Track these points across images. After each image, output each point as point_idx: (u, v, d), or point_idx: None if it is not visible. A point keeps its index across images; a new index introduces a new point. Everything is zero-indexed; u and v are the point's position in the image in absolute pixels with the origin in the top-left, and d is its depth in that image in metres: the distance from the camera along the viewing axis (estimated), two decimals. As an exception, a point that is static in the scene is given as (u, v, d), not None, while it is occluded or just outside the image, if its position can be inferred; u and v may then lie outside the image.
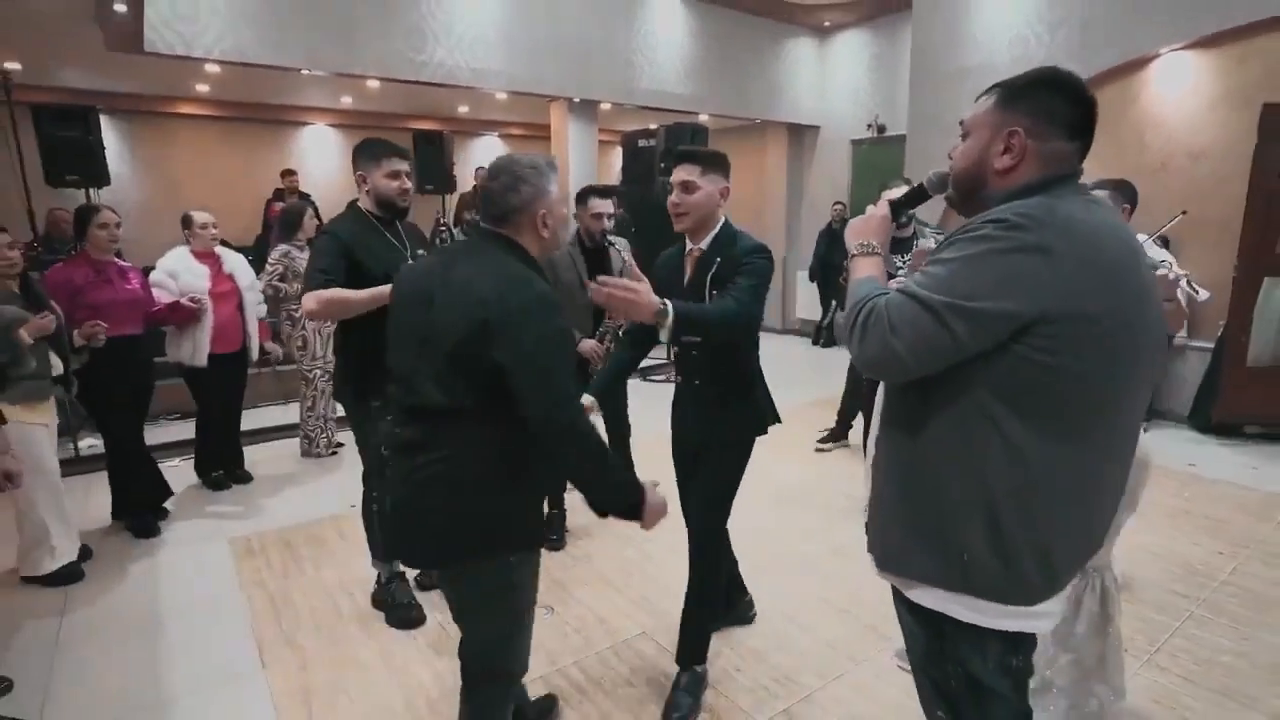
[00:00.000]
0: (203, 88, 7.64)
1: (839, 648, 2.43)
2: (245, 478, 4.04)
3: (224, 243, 7.11)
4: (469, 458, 1.41)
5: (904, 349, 1.06)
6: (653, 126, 6.72)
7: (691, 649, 2.14)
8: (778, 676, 2.28)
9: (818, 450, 4.46)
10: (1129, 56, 5.02)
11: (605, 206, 2.97)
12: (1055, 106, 1.10)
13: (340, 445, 4.52)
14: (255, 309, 3.90)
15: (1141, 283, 1.08)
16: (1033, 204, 1.05)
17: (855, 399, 4.26)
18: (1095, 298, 1.01)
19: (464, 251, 1.53)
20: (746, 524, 3.36)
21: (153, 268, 3.63)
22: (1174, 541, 3.16)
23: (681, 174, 1.96)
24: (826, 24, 8.18)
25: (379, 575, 2.70)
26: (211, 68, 5.73)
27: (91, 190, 5.90)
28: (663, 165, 6.07)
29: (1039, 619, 1.14)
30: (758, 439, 2.10)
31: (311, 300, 2.22)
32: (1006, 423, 1.06)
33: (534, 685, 2.21)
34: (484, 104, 8.46)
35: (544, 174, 1.51)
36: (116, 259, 3.33)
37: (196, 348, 3.55)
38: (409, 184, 2.38)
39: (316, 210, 7.28)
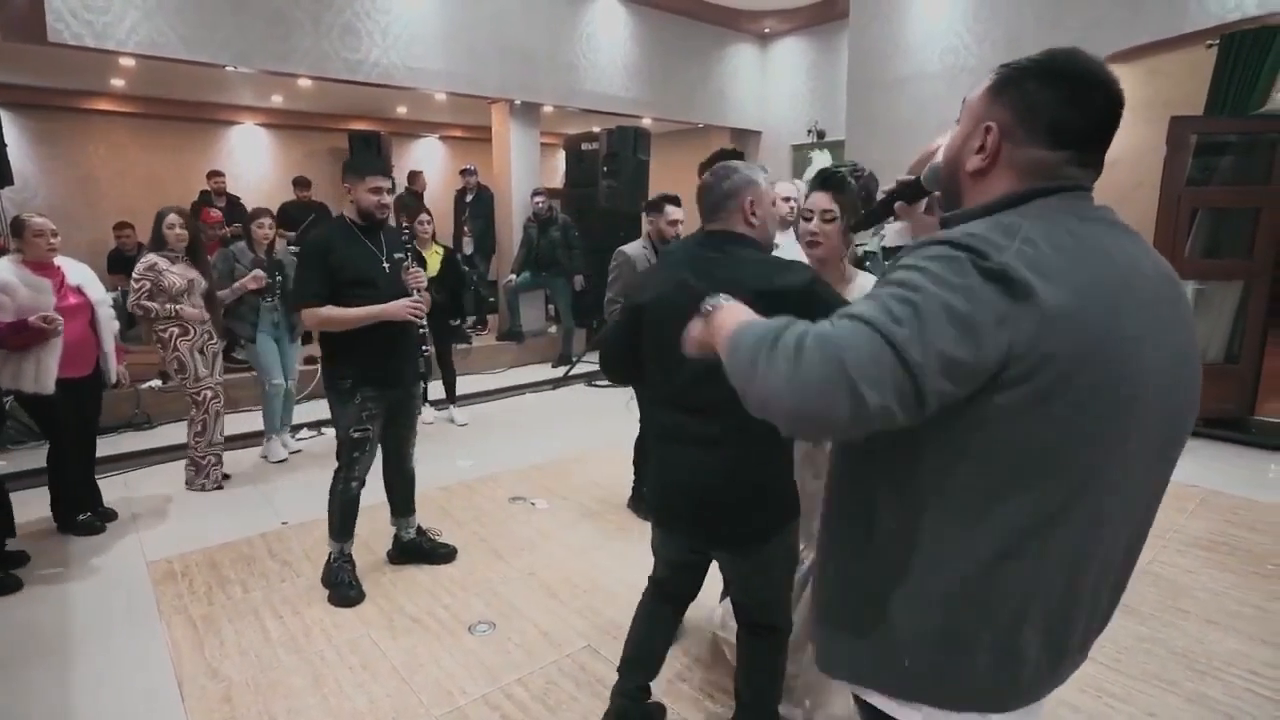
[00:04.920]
0: (119, 82, 7.22)
1: (783, 651, 2.43)
2: (109, 515, 3.48)
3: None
4: (762, 445, 1.53)
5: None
6: (595, 130, 6.69)
7: None
8: (723, 688, 2.26)
9: None
10: (1050, 68, 5.26)
11: (678, 214, 3.35)
12: (1042, 102, 0.85)
13: (228, 476, 4.04)
14: (110, 325, 3.38)
15: (1142, 322, 0.81)
16: (989, 223, 0.83)
17: None
18: (1061, 337, 0.76)
19: (708, 253, 1.60)
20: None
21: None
22: (1098, 533, 3.31)
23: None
24: (767, 30, 8.32)
25: (330, 554, 2.82)
26: (127, 61, 5.40)
27: (-7, 191, 5.49)
28: (605, 169, 6.04)
29: None
30: None
31: (311, 319, 2.58)
32: (958, 488, 0.83)
33: (475, 705, 2.15)
34: (423, 105, 8.27)
35: (755, 170, 1.64)
36: None
37: (41, 371, 3.00)
38: (388, 199, 2.68)
39: (245, 214, 6.99)
